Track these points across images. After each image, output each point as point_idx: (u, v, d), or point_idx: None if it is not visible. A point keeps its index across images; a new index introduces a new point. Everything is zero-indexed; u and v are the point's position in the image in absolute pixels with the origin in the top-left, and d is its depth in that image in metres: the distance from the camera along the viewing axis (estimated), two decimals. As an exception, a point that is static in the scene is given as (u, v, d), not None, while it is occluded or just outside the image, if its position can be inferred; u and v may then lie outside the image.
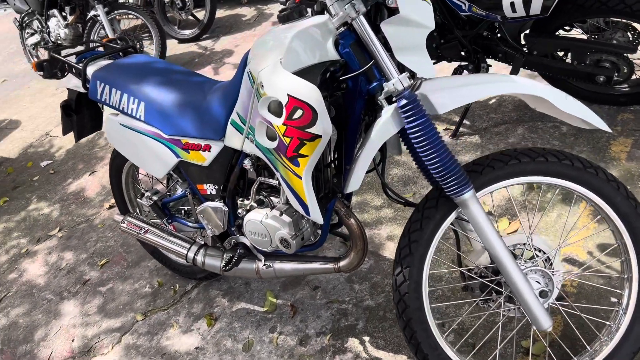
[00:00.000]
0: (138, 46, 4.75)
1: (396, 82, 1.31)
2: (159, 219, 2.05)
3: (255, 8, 5.86)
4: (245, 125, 1.53)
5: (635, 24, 2.28)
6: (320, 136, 1.30)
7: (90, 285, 2.56)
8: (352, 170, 1.42)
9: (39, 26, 5.26)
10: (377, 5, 1.32)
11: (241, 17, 5.75)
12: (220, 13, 5.99)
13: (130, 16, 4.71)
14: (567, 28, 2.41)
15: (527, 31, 2.45)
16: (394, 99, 1.35)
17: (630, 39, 2.32)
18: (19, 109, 5.02)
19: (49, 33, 5.13)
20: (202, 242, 1.99)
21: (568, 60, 2.44)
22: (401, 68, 1.36)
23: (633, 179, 2.18)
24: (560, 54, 2.46)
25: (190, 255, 1.96)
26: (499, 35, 2.46)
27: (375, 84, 1.38)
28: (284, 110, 1.32)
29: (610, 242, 1.94)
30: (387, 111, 1.36)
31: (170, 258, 2.39)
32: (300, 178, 1.40)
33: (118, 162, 2.25)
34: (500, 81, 1.34)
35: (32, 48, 5.52)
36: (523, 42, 2.45)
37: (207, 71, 4.61)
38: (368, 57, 1.37)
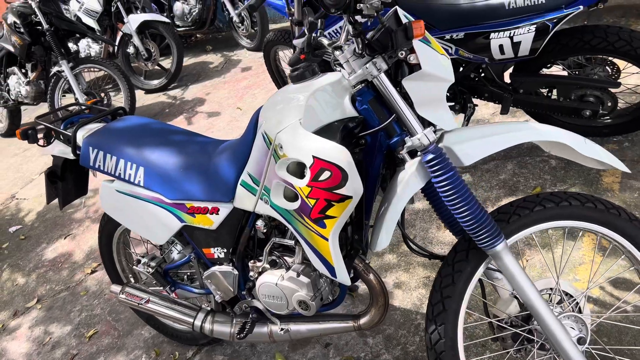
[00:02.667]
0: (106, 99, 4.64)
1: (422, 137, 1.29)
2: (161, 287, 1.94)
3: (221, 55, 5.85)
4: (258, 186, 1.47)
5: (614, 59, 2.37)
6: (350, 197, 1.26)
7: (79, 359, 2.39)
8: (380, 227, 1.38)
9: (-2, 84, 5.08)
10: (396, 61, 1.31)
11: (208, 64, 5.72)
12: (186, 61, 5.96)
13: (94, 69, 4.62)
14: (549, 65, 2.48)
15: (511, 70, 2.51)
16: (418, 153, 1.33)
17: (610, 72, 2.40)
18: (-21, 171, 4.79)
19: (8, 91, 4.95)
20: (209, 309, 1.89)
21: (553, 97, 2.50)
22: (421, 121, 1.34)
23: (630, 208, 2.22)
24: (544, 90, 2.52)
25: (197, 323, 1.85)
26: (483, 75, 2.50)
27: (396, 138, 1.36)
28: (309, 171, 1.28)
29: (637, 280, 1.94)
30: (412, 166, 1.34)
31: (167, 324, 2.27)
32: (327, 239, 1.34)
33: (109, 228, 2.14)
34: (521, 129, 1.34)
35: (-9, 107, 5.31)
36: (508, 81, 2.50)
37: (179, 121, 4.53)
38: (387, 112, 1.35)
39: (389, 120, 1.34)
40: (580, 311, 1.47)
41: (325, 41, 1.41)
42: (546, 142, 1.43)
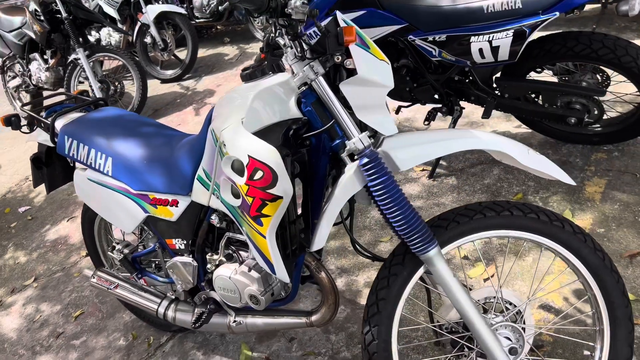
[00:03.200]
0: (120, 87, 4.76)
1: (357, 141, 1.31)
2: (129, 273, 2.01)
3: (237, 47, 5.92)
4: (210, 181, 1.51)
5: (603, 67, 2.32)
6: (281, 197, 1.29)
7: (63, 338, 2.49)
8: (317, 227, 1.40)
9: (20, 70, 5.27)
10: (335, 66, 1.33)
11: (224, 56, 5.80)
12: (202, 52, 6.05)
13: (112, 58, 4.74)
14: (538, 70, 2.44)
15: (498, 75, 2.48)
16: (355, 156, 1.34)
17: (600, 80, 2.35)
18: None
19: (30, 76, 5.13)
20: (173, 297, 1.95)
21: (540, 102, 2.46)
22: (363, 126, 1.36)
23: (607, 220, 2.18)
24: (532, 95, 2.48)
25: (161, 310, 1.92)
26: (470, 78, 2.49)
27: (337, 141, 1.38)
28: (246, 170, 1.31)
29: (582, 293, 1.92)
30: (350, 169, 1.36)
31: (144, 310, 2.34)
32: (265, 237, 1.38)
33: (90, 214, 2.22)
34: (463, 137, 1.34)
35: (14, 91, 5.51)
36: (495, 85, 2.47)
37: (188, 111, 4.62)
38: (329, 115, 1.37)
39: (330, 124, 1.36)
40: (523, 321, 1.47)
41: (281, 41, 1.44)
42: (494, 152, 1.43)
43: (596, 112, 2.32)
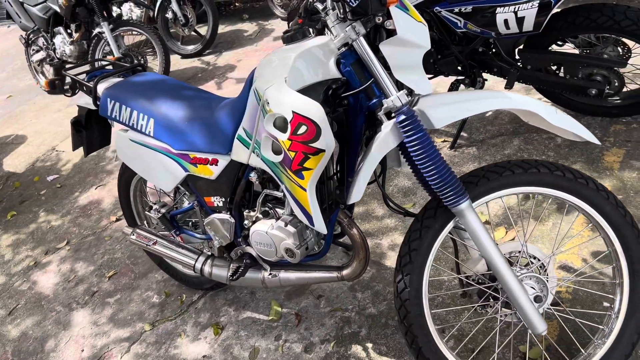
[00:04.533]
0: (142, 62, 4.85)
1: (395, 99, 1.39)
2: (167, 230, 2.12)
3: (256, 24, 5.97)
4: (251, 140, 1.60)
5: (624, 39, 2.37)
6: (323, 150, 1.38)
7: (98, 296, 2.62)
8: (354, 182, 1.49)
9: (45, 43, 5.36)
10: (376, 27, 1.40)
11: (243, 32, 5.85)
12: (222, 29, 6.11)
13: (134, 33, 4.82)
14: (560, 43, 2.49)
15: (521, 46, 2.54)
16: (393, 114, 1.42)
17: (620, 53, 2.40)
18: (25, 125, 5.11)
19: (54, 50, 5.23)
20: (209, 253, 2.06)
21: (561, 74, 2.52)
22: (399, 85, 1.44)
23: (626, 188, 2.26)
24: (554, 68, 2.54)
25: (198, 265, 2.02)
26: (493, 50, 2.54)
27: (374, 100, 1.46)
28: (289, 126, 1.40)
29: (603, 249, 2.01)
30: (387, 126, 1.44)
31: (177, 269, 2.46)
32: (305, 190, 1.47)
33: (127, 176, 2.32)
34: (494, 97, 1.42)
35: (38, 64, 5.61)
36: (517, 57, 2.53)
37: (210, 86, 4.70)
38: (368, 75, 1.45)
39: (368, 83, 1.44)
40: (546, 274, 1.56)
41: (319, 6, 1.51)
42: (523, 112, 1.51)
43: (616, 84, 2.38)
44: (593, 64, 2.34)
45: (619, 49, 2.40)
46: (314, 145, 1.37)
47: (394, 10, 1.35)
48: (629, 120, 2.63)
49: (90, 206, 3.43)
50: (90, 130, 2.26)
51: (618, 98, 2.54)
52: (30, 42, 5.51)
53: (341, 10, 1.38)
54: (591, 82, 2.37)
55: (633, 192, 2.22)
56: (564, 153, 2.55)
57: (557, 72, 2.53)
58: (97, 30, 4.70)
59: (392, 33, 1.38)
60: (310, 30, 1.56)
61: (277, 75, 1.44)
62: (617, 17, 2.16)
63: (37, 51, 5.52)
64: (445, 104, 1.43)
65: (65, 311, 2.58)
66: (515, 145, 2.72)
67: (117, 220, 3.19)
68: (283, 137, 1.43)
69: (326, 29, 1.52)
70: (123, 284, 2.66)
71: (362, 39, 1.39)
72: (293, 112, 1.37)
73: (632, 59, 2.44)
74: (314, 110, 1.34)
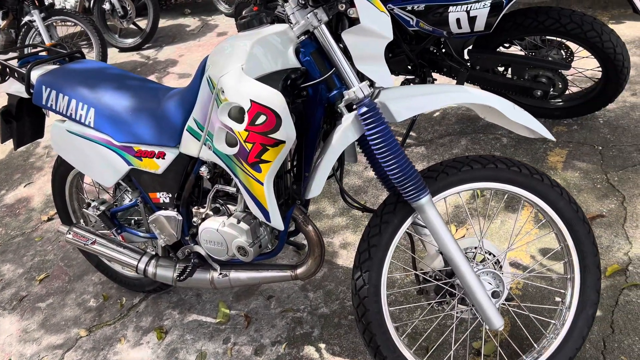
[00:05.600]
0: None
1: (357, 90, 1.35)
2: (108, 229, 1.98)
3: (199, 19, 5.81)
4: (202, 131, 1.51)
5: (568, 43, 2.45)
6: (283, 142, 1.31)
7: (28, 301, 2.43)
8: (313, 176, 1.44)
9: (-32, 30, 4.98)
10: (338, 15, 1.35)
11: (185, 27, 5.68)
12: (162, 23, 5.90)
13: (68, 23, 4.56)
14: (507, 45, 2.55)
15: (470, 47, 2.57)
16: (354, 106, 1.38)
17: (564, 56, 2.48)
18: (-56, 118, 4.72)
19: (-22, 38, 4.87)
20: (153, 253, 1.94)
21: (508, 75, 2.58)
22: (360, 77, 1.40)
23: (569, 187, 2.33)
24: (501, 69, 2.59)
25: (141, 266, 1.90)
26: (444, 50, 2.57)
27: (335, 91, 1.41)
28: (247, 115, 1.32)
29: (552, 247, 2.05)
30: (348, 118, 1.39)
31: (117, 270, 2.31)
32: (262, 184, 1.40)
33: (62, 170, 2.16)
34: (455, 91, 1.40)
35: (-41, 53, 5.21)
36: (466, 57, 2.57)
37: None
38: (328, 65, 1.40)
39: (329, 73, 1.39)
40: (501, 270, 1.56)
41: (276, -7, 1.45)
42: (481, 107, 1.51)
43: (560, 86, 2.46)
44: (540, 66, 2.41)
45: (562, 52, 2.48)
46: (274, 136, 1.31)
47: (357, -2, 1.30)
48: (570, 122, 2.72)
49: (19, 205, 3.19)
50: (22, 122, 2.09)
51: (560, 100, 2.63)
52: (-50, 28, 5.10)
53: (302, -4, 1.32)
54: (537, 83, 2.44)
55: (576, 191, 2.30)
56: (509, 152, 2.61)
57: (504, 73, 2.58)
58: (27, 18, 4.41)
59: (354, 22, 1.34)
60: (267, 18, 1.49)
61: (233, 62, 1.36)
62: (562, 21, 2.22)
63: (-41, 39, 5.12)
64: (406, 97, 1.40)
65: (-11, 318, 2.38)
66: (463, 145, 2.76)
67: (49, 219, 2.98)
68: (239, 128, 1.36)
69: (284, 18, 1.46)
70: (56, 287, 2.47)
71: (323, 26, 1.33)
72: (251, 100, 1.30)
73: (575, 62, 2.53)
74: (275, 99, 1.28)
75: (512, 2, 2.08)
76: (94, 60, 2.00)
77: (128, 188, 1.90)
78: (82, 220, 2.30)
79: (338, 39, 1.37)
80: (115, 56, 5.22)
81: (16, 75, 1.93)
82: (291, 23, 1.41)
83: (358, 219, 2.45)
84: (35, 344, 2.18)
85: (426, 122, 3.04)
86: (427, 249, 1.62)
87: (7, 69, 1.95)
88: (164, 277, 1.88)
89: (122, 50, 5.32)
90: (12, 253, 2.77)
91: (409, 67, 2.66)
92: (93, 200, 2.00)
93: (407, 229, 1.57)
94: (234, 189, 1.62)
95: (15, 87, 1.97)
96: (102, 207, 1.95)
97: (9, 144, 2.11)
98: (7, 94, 2.03)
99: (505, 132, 2.76)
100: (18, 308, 2.40)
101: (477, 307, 1.46)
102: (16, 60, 2.00)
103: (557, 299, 1.85)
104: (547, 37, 2.44)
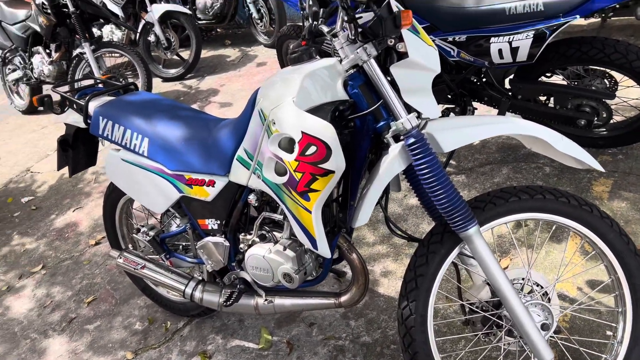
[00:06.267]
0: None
1: (405, 121, 1.38)
2: (157, 254, 2.04)
3: (239, 49, 5.98)
4: (252, 161, 1.56)
5: (612, 72, 2.43)
6: (333, 171, 1.35)
7: (76, 323, 2.50)
8: (360, 205, 1.46)
9: (22, 62, 5.25)
10: (386, 49, 1.40)
11: (225, 57, 5.85)
12: (204, 53, 6.10)
13: (115, 54, 4.76)
14: (549, 74, 2.55)
15: (512, 76, 2.58)
16: (401, 137, 1.41)
17: (608, 85, 2.47)
18: (-2, 144, 4.96)
19: (32, 69, 5.12)
20: (200, 278, 1.99)
21: (550, 105, 2.57)
22: (407, 109, 1.43)
23: (616, 217, 2.28)
24: (543, 98, 2.59)
25: (188, 290, 1.95)
26: (484, 79, 2.58)
27: (382, 123, 1.44)
28: (297, 146, 1.37)
29: (601, 279, 2.01)
30: (395, 149, 1.42)
31: (162, 295, 2.37)
32: (310, 212, 1.43)
33: (113, 197, 2.25)
34: (501, 122, 1.42)
35: (13, 84, 5.49)
36: (508, 86, 2.57)
37: (192, 109, 4.65)
38: (376, 97, 1.43)
39: (377, 104, 1.43)
40: (549, 302, 1.55)
41: (325, 29, 1.51)
42: (527, 138, 1.52)
43: (604, 115, 2.43)
44: (583, 95, 2.39)
45: (606, 81, 2.46)
46: (323, 166, 1.35)
47: (406, 33, 1.35)
48: (615, 152, 2.68)
49: (68, 229, 3.31)
50: (77, 150, 2.19)
51: (604, 129, 2.60)
52: (6, 61, 5.39)
53: (352, 32, 1.37)
54: (580, 113, 2.42)
55: (623, 221, 2.25)
56: (552, 182, 2.58)
57: (547, 102, 2.58)
58: (77, 50, 4.62)
59: (401, 56, 1.38)
60: (315, 52, 1.55)
61: (284, 95, 1.42)
62: (607, 51, 2.22)
63: (13, 70, 5.40)
64: (453, 128, 1.43)
65: (40, 338, 2.45)
66: (504, 173, 2.74)
67: (97, 244, 3.08)
68: (289, 158, 1.40)
69: (331, 52, 1.51)
70: (103, 310, 2.54)
71: (373, 61, 1.38)
72: (302, 132, 1.34)
73: (619, 91, 2.50)
74: (325, 130, 1.32)
75: (555, 33, 2.09)
76: (147, 92, 2.09)
77: (177, 214, 1.96)
78: (130, 245, 2.37)
79: (386, 72, 1.41)
80: (159, 86, 5.40)
81: (75, 107, 2.04)
82: (339, 56, 1.46)
83: (399, 247, 2.46)
84: (84, 366, 2.24)
85: (466, 151, 3.04)
86: (473, 280, 1.62)
87: (67, 101, 2.06)
88: (210, 302, 1.92)
89: (166, 80, 5.51)
90: (61, 276, 2.87)
91: (450, 96, 2.68)
92: (143, 226, 2.07)
93: (454, 259, 1.57)
94: (281, 217, 1.66)
95: (74, 118, 2.07)
96: (152, 233, 2.02)
97: (60, 170, 2.22)
98: (65, 124, 2.13)
99: (548, 161, 2.74)
100: (67, 330, 2.47)
101: (526, 339, 1.44)
102: (73, 92, 2.12)
103: (608, 332, 1.81)
104: (590, 66, 2.43)
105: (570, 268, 2.08)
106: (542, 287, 1.55)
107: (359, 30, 1.37)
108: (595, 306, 1.93)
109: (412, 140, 1.37)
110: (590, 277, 2.04)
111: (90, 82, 3.84)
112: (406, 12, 1.30)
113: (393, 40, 1.35)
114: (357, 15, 1.40)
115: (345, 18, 1.35)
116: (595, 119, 2.43)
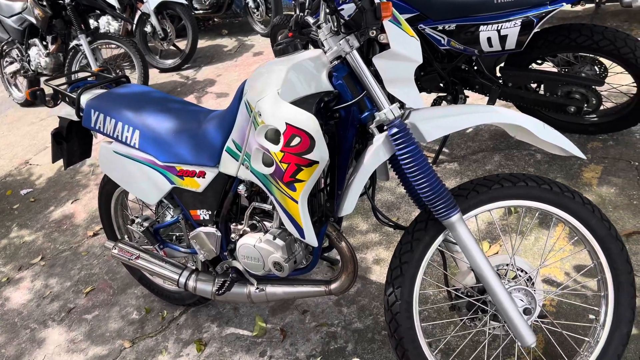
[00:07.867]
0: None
1: (387, 111, 1.40)
2: (151, 244, 2.08)
3: (236, 39, 5.98)
4: (240, 152, 1.59)
5: (601, 58, 2.44)
6: (317, 162, 1.37)
7: (75, 313, 2.55)
8: (346, 194, 1.49)
9: (19, 55, 5.27)
10: (369, 40, 1.41)
11: (222, 47, 5.85)
12: (201, 43, 6.09)
13: (111, 46, 4.77)
14: (539, 62, 2.56)
15: (502, 64, 2.59)
16: (385, 127, 1.43)
17: (597, 72, 2.48)
18: (-4, 137, 4.99)
19: (29, 62, 5.13)
20: (194, 267, 2.02)
21: (541, 92, 2.58)
22: (391, 99, 1.45)
23: (604, 203, 2.31)
24: (534, 85, 2.60)
25: (182, 280, 1.99)
26: (475, 68, 2.59)
27: (366, 113, 1.46)
28: (282, 137, 1.39)
29: (585, 263, 2.04)
30: (379, 139, 1.44)
31: (158, 284, 2.41)
32: (297, 202, 1.46)
33: (108, 188, 2.28)
34: (483, 111, 1.44)
35: (11, 77, 5.51)
36: (498, 74, 2.59)
37: (189, 100, 4.67)
38: (360, 88, 1.46)
39: (361, 95, 1.45)
40: (533, 287, 1.58)
41: (310, 20, 1.52)
42: (510, 126, 1.54)
43: (594, 102, 2.45)
44: (573, 82, 2.41)
45: (595, 68, 2.47)
46: (308, 156, 1.37)
47: (387, 24, 1.36)
48: (606, 138, 2.70)
49: (66, 221, 3.34)
50: (71, 143, 2.22)
51: (595, 116, 2.61)
52: (3, 53, 5.40)
53: (335, 24, 1.39)
54: (570, 99, 2.44)
55: (612, 207, 2.28)
56: (543, 169, 2.60)
57: (537, 89, 2.59)
58: (74, 42, 4.63)
59: (384, 47, 1.40)
60: (300, 44, 1.56)
61: (270, 87, 1.44)
62: (595, 37, 2.23)
63: (11, 63, 5.42)
64: (436, 117, 1.45)
65: (40, 328, 2.50)
66: (496, 161, 2.76)
67: (94, 235, 3.11)
68: (275, 149, 1.43)
69: (318, 43, 1.53)
70: (101, 300, 2.59)
71: (355, 52, 1.40)
72: (287, 123, 1.37)
73: (609, 78, 2.51)
74: (308, 121, 1.34)
75: (542, 21, 2.10)
76: (138, 84, 2.11)
77: (170, 205, 2.00)
78: (126, 236, 2.40)
79: (369, 63, 1.43)
80: (155, 77, 5.42)
81: (67, 100, 2.06)
82: (324, 48, 1.48)
83: (390, 235, 2.49)
84: (83, 354, 2.28)
85: (459, 139, 3.06)
86: (458, 266, 1.65)
87: (59, 94, 2.08)
88: (203, 291, 1.96)
89: (163, 70, 5.52)
90: (60, 267, 2.91)
91: (441, 84, 2.69)
92: (137, 217, 2.10)
93: (439, 246, 1.60)
94: (270, 207, 1.69)
95: (66, 111, 2.10)
96: (146, 224, 2.05)
97: (58, 162, 2.25)
98: (59, 117, 2.16)
99: (539, 148, 2.76)
100: (66, 319, 2.51)
101: (509, 324, 1.48)
102: (66, 85, 2.14)
103: (591, 316, 1.84)
104: (580, 53, 2.44)
105: (555, 253, 2.11)
106: (526, 273, 1.58)
107: (342, 21, 1.39)
108: (581, 290, 1.96)
109: (395, 130, 1.39)
110: (577, 262, 2.07)
111: (84, 74, 3.86)
112: (386, 3, 1.32)
113: (375, 32, 1.37)
114: (339, 7, 1.42)
115: (327, 10, 1.37)
116: (585, 105, 2.44)
